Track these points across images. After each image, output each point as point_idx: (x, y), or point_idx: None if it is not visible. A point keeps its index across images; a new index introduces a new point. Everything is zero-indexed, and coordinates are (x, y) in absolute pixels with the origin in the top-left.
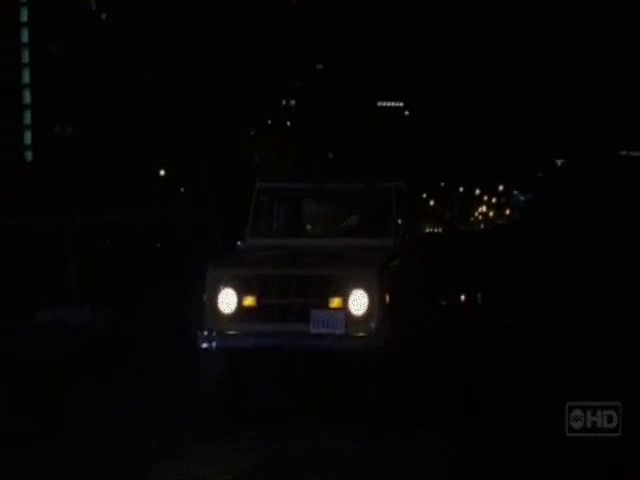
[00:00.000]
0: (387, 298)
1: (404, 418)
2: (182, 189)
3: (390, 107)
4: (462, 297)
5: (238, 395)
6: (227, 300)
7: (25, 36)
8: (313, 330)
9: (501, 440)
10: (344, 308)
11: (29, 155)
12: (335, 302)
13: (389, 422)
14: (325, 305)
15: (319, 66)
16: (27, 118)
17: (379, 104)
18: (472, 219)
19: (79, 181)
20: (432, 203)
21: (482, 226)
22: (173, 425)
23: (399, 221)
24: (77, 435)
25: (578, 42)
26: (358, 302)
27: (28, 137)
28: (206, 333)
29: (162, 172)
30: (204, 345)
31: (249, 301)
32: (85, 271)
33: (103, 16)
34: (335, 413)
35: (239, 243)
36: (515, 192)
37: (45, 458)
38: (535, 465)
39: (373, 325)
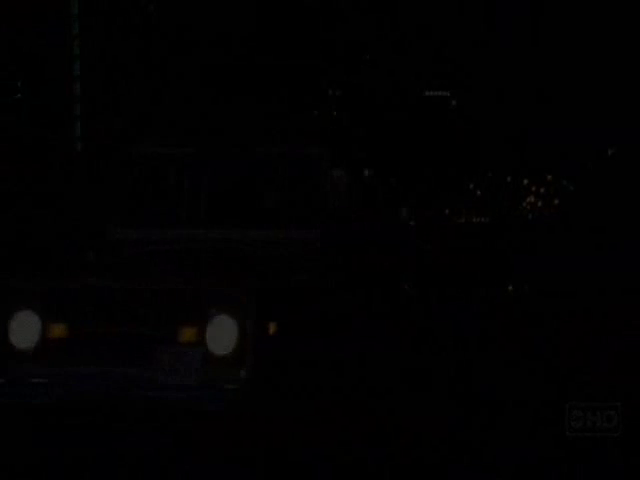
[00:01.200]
0: (272, 327)
1: None
2: None
3: (436, 96)
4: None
5: (44, 473)
6: (24, 329)
7: (76, 28)
8: (151, 376)
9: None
10: (200, 343)
11: (79, 146)
12: (187, 334)
13: None
14: (172, 338)
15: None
16: (77, 109)
17: (426, 94)
18: (520, 209)
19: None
20: (479, 193)
21: (530, 216)
22: None
23: (332, 204)
24: None
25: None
26: (221, 334)
27: (78, 128)
28: None
29: None
30: None
31: (58, 330)
32: None
33: (151, 8)
34: None
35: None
36: (564, 182)
37: None
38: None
39: (244, 372)
